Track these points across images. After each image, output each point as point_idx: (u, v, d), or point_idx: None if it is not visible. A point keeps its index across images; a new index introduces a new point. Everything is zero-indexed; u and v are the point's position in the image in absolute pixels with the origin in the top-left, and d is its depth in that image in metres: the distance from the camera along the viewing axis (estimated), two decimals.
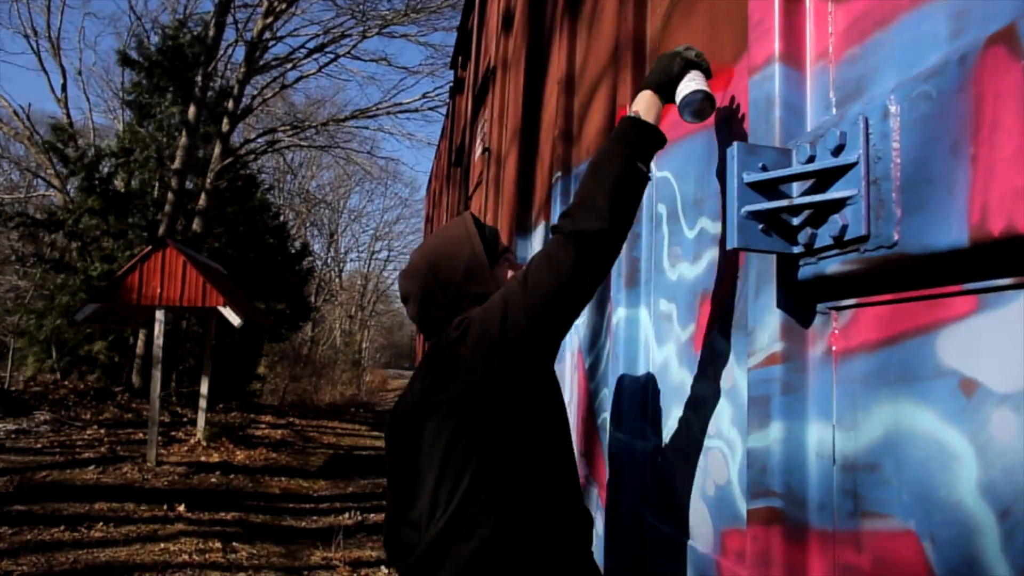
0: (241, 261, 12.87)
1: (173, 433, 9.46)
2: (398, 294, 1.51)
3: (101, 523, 5.31)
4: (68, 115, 14.15)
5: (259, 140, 16.44)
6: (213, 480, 7.33)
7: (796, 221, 0.92)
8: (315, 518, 6.31)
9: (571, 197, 2.19)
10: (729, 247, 0.93)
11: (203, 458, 8.31)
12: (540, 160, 2.89)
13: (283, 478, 7.90)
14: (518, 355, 1.19)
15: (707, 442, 1.29)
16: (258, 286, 13.10)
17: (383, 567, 4.90)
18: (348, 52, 16.18)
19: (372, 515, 6.43)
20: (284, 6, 13.94)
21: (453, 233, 1.40)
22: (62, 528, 5.11)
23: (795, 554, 0.93)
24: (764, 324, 1.00)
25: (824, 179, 0.87)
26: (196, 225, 12.54)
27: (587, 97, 2.22)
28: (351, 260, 35.69)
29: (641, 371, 1.62)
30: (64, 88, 14.50)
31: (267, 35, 14.42)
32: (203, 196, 12.70)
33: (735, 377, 1.19)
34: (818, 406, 0.94)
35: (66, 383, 11.12)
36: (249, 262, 13.22)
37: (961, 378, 0.72)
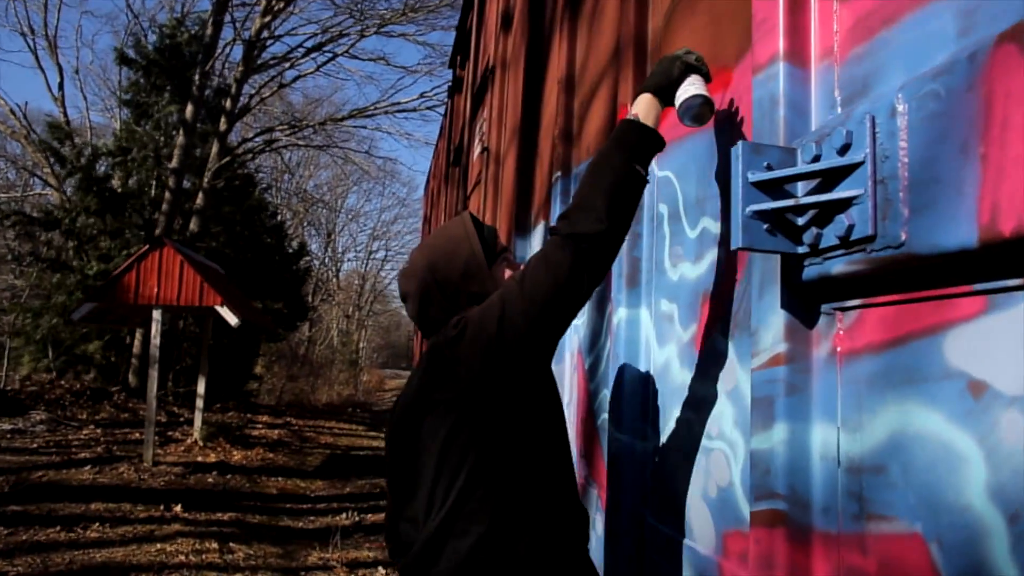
0: (238, 261, 12.85)
1: (170, 433, 9.43)
2: (395, 294, 1.52)
3: (97, 523, 5.29)
4: (65, 114, 14.13)
5: (257, 139, 16.42)
6: (210, 480, 7.31)
7: (801, 221, 0.91)
8: (312, 518, 6.29)
9: (571, 197, 2.19)
10: (733, 247, 0.92)
11: (200, 458, 8.29)
12: (539, 160, 2.88)
13: (280, 478, 7.88)
14: (515, 354, 1.20)
15: (709, 443, 1.28)
16: (255, 286, 13.07)
17: (380, 568, 4.88)
18: (346, 51, 16.17)
19: (370, 515, 6.42)
20: (282, 5, 13.91)
21: (452, 233, 1.41)
22: (58, 528, 5.09)
23: (799, 556, 0.93)
24: (768, 325, 0.99)
25: (830, 178, 0.87)
26: (193, 224, 12.52)
27: (588, 96, 2.21)
28: (348, 260, 35.70)
29: (642, 372, 1.61)
30: (61, 87, 14.48)
31: (265, 34, 14.39)
32: (200, 195, 12.67)
33: (738, 378, 1.18)
34: (822, 407, 0.94)
35: (62, 383, 11.09)
36: (246, 262, 13.19)
37: (970, 380, 0.71)
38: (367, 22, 15.30)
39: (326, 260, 29.98)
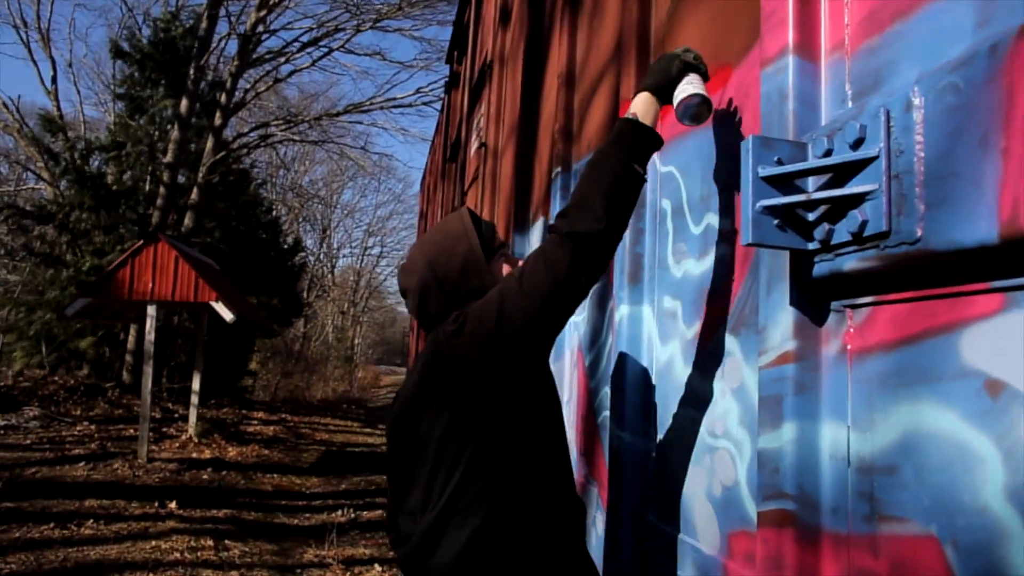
0: (233, 256, 12.80)
1: (164, 429, 9.40)
2: (391, 290, 1.53)
3: (91, 520, 5.26)
4: (58, 107, 14.00)
5: (252, 134, 16.33)
6: (205, 477, 7.28)
7: (812, 217, 0.90)
8: (308, 515, 6.27)
9: (570, 194, 2.17)
10: (744, 243, 0.91)
11: (195, 455, 8.26)
12: (538, 156, 2.86)
13: (275, 475, 7.86)
14: (513, 350, 1.22)
15: (713, 442, 1.27)
16: (250, 281, 13.02)
17: (377, 565, 4.87)
18: (342, 46, 16.08)
19: (365, 512, 6.40)
20: None
21: (450, 229, 1.42)
22: (52, 526, 5.06)
23: (807, 557, 0.91)
24: (776, 322, 0.98)
25: (842, 173, 0.85)
26: (188, 220, 12.45)
27: (589, 92, 2.19)
28: (344, 256, 35.58)
29: (644, 369, 1.60)
30: (54, 80, 14.36)
31: (260, 28, 14.30)
32: (195, 190, 12.60)
33: (744, 376, 1.17)
34: (832, 406, 0.92)
35: (55, 379, 11.03)
36: (241, 257, 13.14)
37: (987, 379, 0.70)
38: (363, 17, 15.22)
39: (321, 256, 29.92)
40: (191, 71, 12.18)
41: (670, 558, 1.38)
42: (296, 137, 18.05)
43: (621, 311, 1.66)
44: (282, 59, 15.78)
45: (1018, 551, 0.65)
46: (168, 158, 11.94)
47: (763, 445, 0.98)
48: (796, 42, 0.99)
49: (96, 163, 13.31)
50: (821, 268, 0.90)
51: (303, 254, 19.25)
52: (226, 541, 5.10)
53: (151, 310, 7.77)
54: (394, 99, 17.18)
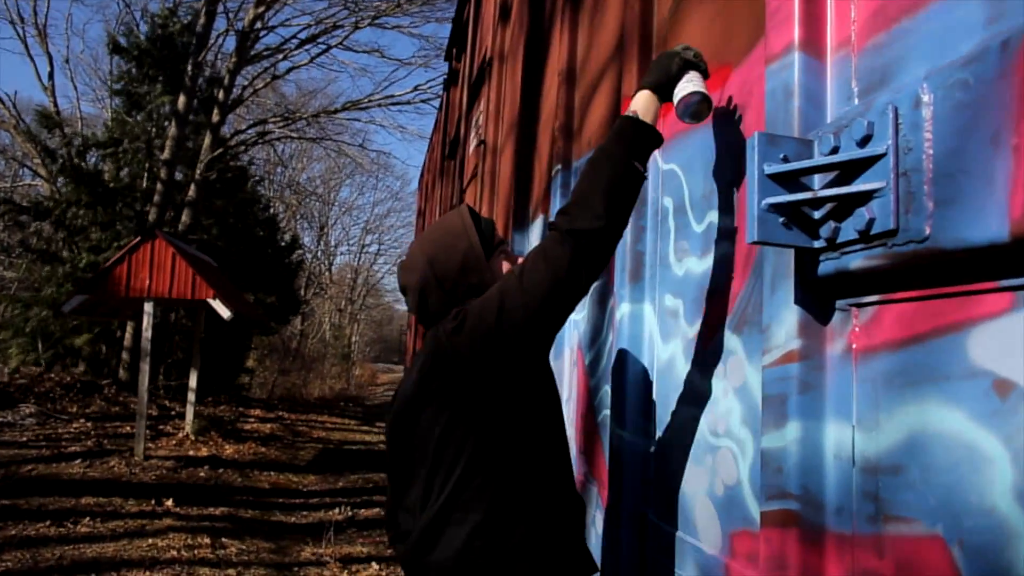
0: (231, 253, 12.76)
1: (161, 427, 9.38)
2: (388, 288, 1.54)
3: (88, 518, 5.24)
4: (55, 103, 13.96)
5: (250, 131, 16.30)
6: (202, 475, 7.26)
7: (818, 215, 0.89)
8: (305, 513, 6.26)
9: (570, 191, 2.16)
10: (749, 241, 0.90)
11: (191, 452, 8.25)
12: (538, 153, 2.85)
13: (272, 473, 7.84)
14: (513, 347, 1.22)
15: (715, 441, 1.26)
16: (248, 279, 12.99)
17: (374, 563, 4.86)
18: (340, 43, 16.04)
19: (363, 511, 6.40)
20: None
21: (450, 226, 1.42)
22: (48, 523, 5.04)
23: (811, 558, 0.91)
24: (780, 321, 0.97)
25: (849, 171, 0.84)
26: (185, 216, 12.42)
27: (589, 89, 2.18)
28: (341, 253, 35.53)
29: (645, 368, 1.59)
30: (51, 76, 14.32)
31: (258, 25, 14.26)
32: (192, 187, 12.57)
33: (747, 375, 1.16)
34: (837, 406, 0.91)
35: (52, 376, 11.00)
36: (239, 254, 13.11)
37: (995, 378, 0.69)
38: (361, 14, 15.19)
39: (319, 253, 29.87)
40: (189, 67, 12.14)
41: (671, 557, 1.37)
42: (294, 134, 18.02)
43: (622, 309, 1.65)
44: (280, 56, 15.75)
45: None
46: (165, 155, 11.90)
47: (766, 444, 0.98)
48: (802, 38, 0.98)
49: (93, 159, 13.26)
50: (826, 266, 0.89)
51: (300, 251, 19.22)
52: (223, 539, 5.09)
53: (148, 307, 7.75)
54: (392, 96, 17.16)
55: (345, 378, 23.37)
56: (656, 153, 1.61)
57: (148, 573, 4.27)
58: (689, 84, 1.27)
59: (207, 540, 4.98)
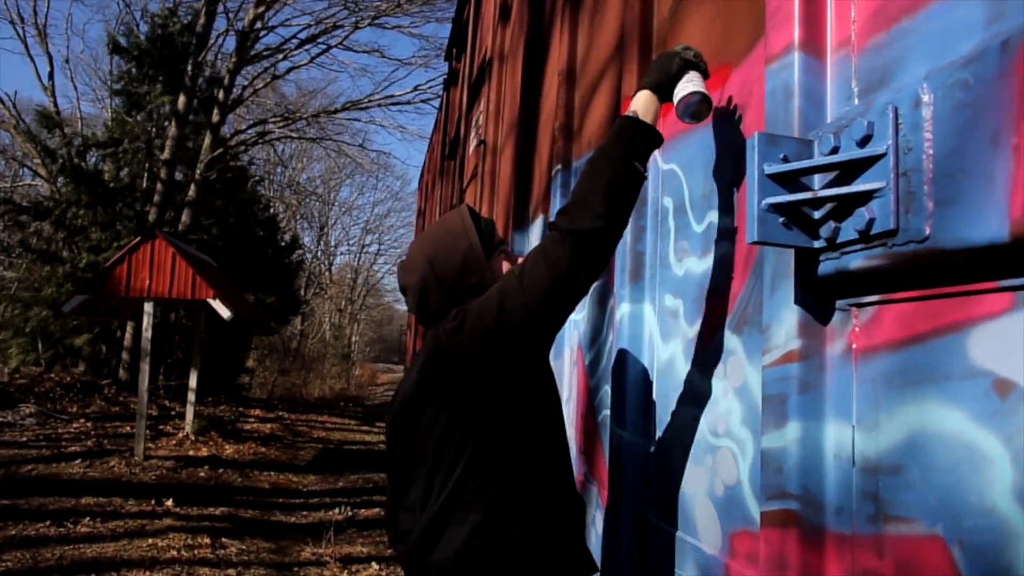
0: (231, 253, 12.76)
1: (161, 427, 9.38)
2: (388, 288, 1.54)
3: (88, 518, 5.24)
4: (55, 103, 13.96)
5: (250, 131, 16.30)
6: (202, 475, 7.26)
7: (817, 215, 0.89)
8: (305, 513, 6.26)
9: (570, 191, 2.16)
10: (749, 241, 0.90)
11: (191, 452, 8.25)
12: (538, 153, 2.85)
13: (272, 473, 7.84)
14: (513, 347, 1.22)
15: (715, 441, 1.26)
16: (248, 279, 12.99)
17: (374, 563, 4.86)
18: (340, 43, 16.04)
19: (363, 511, 6.40)
20: None
21: (450, 226, 1.42)
22: (48, 523, 5.04)
23: (811, 558, 0.91)
24: (780, 321, 0.97)
25: (848, 171, 0.84)
26: (185, 216, 12.42)
27: (589, 89, 2.18)
28: (341, 253, 35.52)
29: (645, 368, 1.59)
30: (51, 76, 14.32)
31: (258, 25, 14.26)
32: (192, 187, 12.57)
33: (747, 375, 1.16)
34: (837, 406, 0.91)
35: (52, 375, 10.99)
36: (239, 254, 13.11)
37: (995, 378, 0.69)
38: (361, 14, 15.19)
39: (319, 253, 29.87)
40: (189, 67, 12.14)
41: (671, 557, 1.37)
42: (294, 134, 18.02)
43: (622, 309, 1.65)
44: (280, 56, 15.75)
45: None
46: (165, 155, 11.90)
47: (766, 444, 0.98)
48: (802, 38, 0.98)
49: (93, 159, 13.26)
50: (826, 266, 0.89)
51: (300, 251, 19.22)
52: (223, 539, 5.09)
53: (148, 307, 7.75)
54: (392, 96, 17.16)
55: (345, 378, 23.38)
56: (656, 153, 1.61)
57: (148, 573, 4.27)
58: (689, 84, 1.27)
59: (207, 540, 4.98)
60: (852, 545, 0.87)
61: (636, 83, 1.67)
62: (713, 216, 1.34)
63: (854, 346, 0.90)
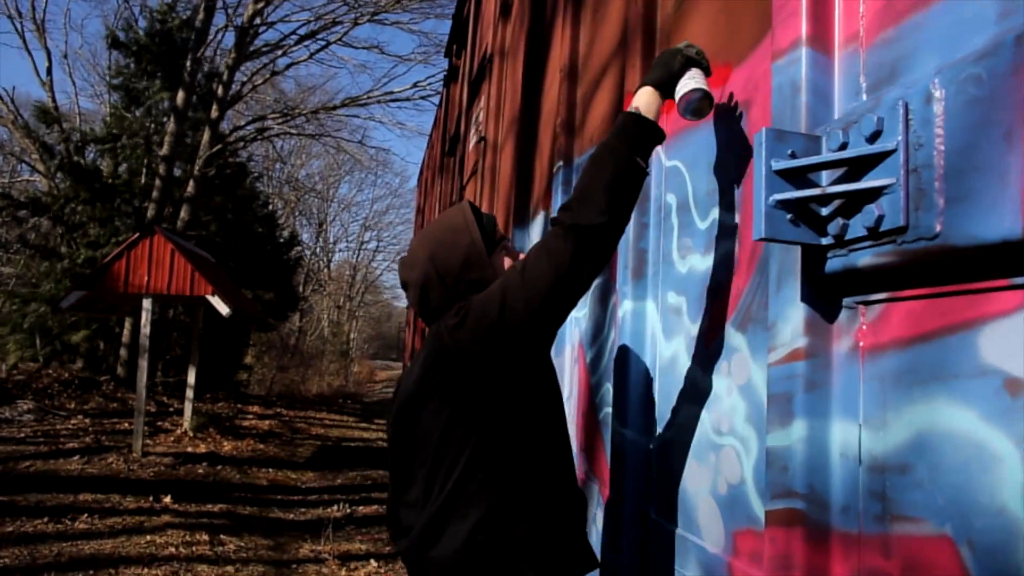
0: (229, 250, 12.74)
1: (159, 423, 9.36)
2: (387, 285, 1.54)
3: (86, 514, 5.23)
4: (53, 99, 13.91)
5: (249, 127, 16.24)
6: (200, 471, 7.25)
7: (825, 211, 0.88)
8: (303, 510, 6.25)
9: (572, 188, 2.15)
10: (756, 237, 0.89)
11: (190, 449, 8.23)
12: (539, 150, 2.84)
13: (271, 469, 7.83)
14: (515, 342, 1.23)
15: (719, 439, 1.25)
16: (246, 275, 12.97)
17: (373, 560, 4.86)
18: (339, 39, 15.98)
19: (361, 508, 6.39)
20: None
21: (452, 222, 1.42)
22: (45, 519, 5.03)
23: (817, 557, 0.90)
24: (786, 318, 0.96)
25: (857, 167, 0.83)
26: (184, 213, 12.38)
27: (592, 85, 2.17)
28: (340, 250, 35.49)
29: (647, 365, 1.58)
30: (49, 71, 14.26)
31: (258, 21, 14.21)
32: (191, 183, 12.53)
33: (751, 373, 1.15)
34: (843, 404, 0.91)
35: (50, 372, 10.97)
36: (237, 251, 13.08)
37: (1006, 377, 0.69)
38: (360, 10, 15.12)
39: (317, 250, 29.82)
40: (188, 63, 12.09)
41: (673, 555, 1.37)
42: (293, 131, 17.97)
43: (624, 307, 1.64)
44: (279, 52, 15.69)
45: None
46: (164, 151, 11.87)
47: (772, 443, 0.97)
48: (809, 34, 0.97)
49: (91, 155, 13.22)
50: (834, 263, 0.88)
51: (299, 248, 19.19)
52: (221, 536, 5.08)
53: (147, 303, 7.73)
54: (391, 93, 17.09)
55: (343, 375, 23.36)
56: (659, 149, 1.60)
57: (146, 570, 4.27)
58: (691, 81, 1.27)
59: (205, 537, 4.97)
60: (858, 544, 0.87)
61: (639, 79, 1.66)
62: (717, 213, 1.33)
63: (861, 344, 0.89)
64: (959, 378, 0.74)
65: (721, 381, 1.26)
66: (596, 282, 1.96)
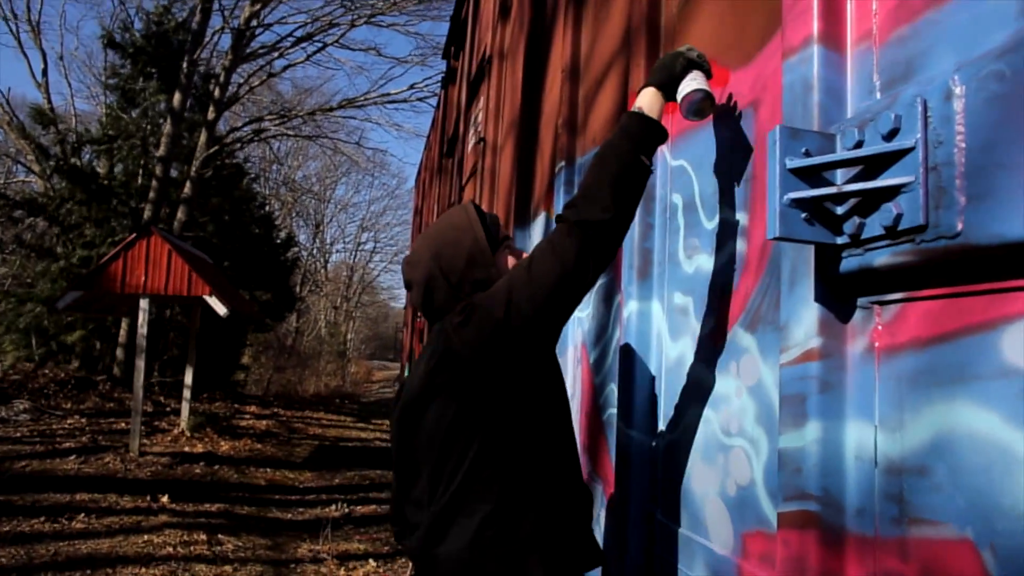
0: (226, 250, 12.71)
1: (156, 423, 9.33)
2: (384, 286, 1.53)
3: (83, 514, 5.21)
4: (49, 100, 13.88)
5: (245, 129, 16.20)
6: (197, 471, 7.23)
7: (841, 210, 0.87)
8: (301, 510, 6.23)
9: (575, 187, 2.14)
10: (770, 236, 0.88)
11: (187, 448, 8.20)
12: (540, 150, 2.83)
13: (269, 469, 7.81)
14: (521, 339, 1.23)
15: (728, 440, 1.24)
16: (243, 276, 12.94)
17: (371, 560, 4.84)
18: (336, 41, 15.97)
19: (359, 507, 6.37)
20: None
21: (455, 221, 1.43)
22: (42, 519, 5.01)
23: (831, 560, 0.89)
24: (799, 319, 0.95)
25: (873, 165, 0.82)
26: (181, 214, 12.35)
27: (594, 85, 2.16)
28: (337, 251, 35.47)
29: (653, 366, 1.57)
30: (45, 73, 14.24)
31: (254, 22, 14.18)
32: (188, 185, 12.50)
33: (761, 373, 1.14)
34: (858, 405, 0.90)
35: (46, 372, 10.93)
36: (234, 251, 13.05)
37: None
38: (357, 12, 15.10)
39: (314, 251, 29.76)
40: (184, 65, 12.06)
41: (679, 557, 1.36)
42: (290, 132, 17.95)
43: (629, 307, 1.63)
44: (276, 54, 15.67)
45: None
46: (161, 152, 11.83)
47: (785, 444, 0.96)
48: (821, 31, 0.96)
49: (87, 156, 13.18)
50: (849, 263, 0.87)
51: (296, 249, 19.15)
52: (219, 535, 5.06)
53: (144, 304, 7.70)
54: (388, 94, 17.09)
55: (341, 375, 23.32)
56: (664, 149, 1.59)
57: (144, 569, 4.24)
58: (693, 82, 1.29)
59: (203, 537, 4.95)
60: (874, 547, 0.86)
61: (643, 78, 1.65)
62: (725, 212, 1.32)
63: (876, 344, 0.88)
64: (980, 379, 0.73)
65: (730, 382, 1.25)
66: (600, 282, 1.95)
